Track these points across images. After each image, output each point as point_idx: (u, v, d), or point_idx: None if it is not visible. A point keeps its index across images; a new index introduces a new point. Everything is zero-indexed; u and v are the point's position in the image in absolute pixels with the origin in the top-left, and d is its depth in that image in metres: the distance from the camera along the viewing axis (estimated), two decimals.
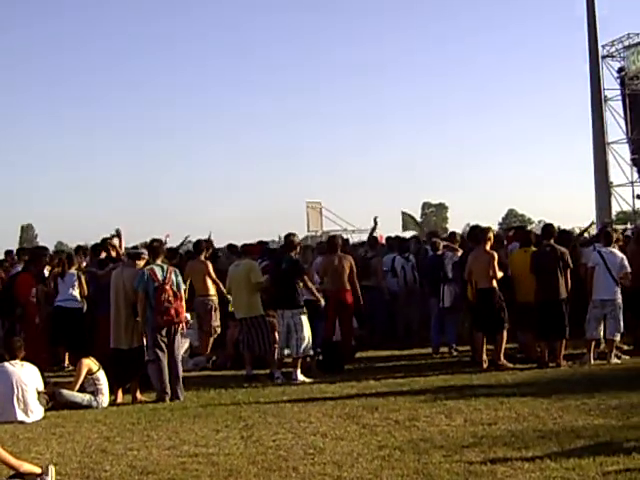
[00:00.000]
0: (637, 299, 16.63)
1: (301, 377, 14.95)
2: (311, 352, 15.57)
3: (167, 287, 13.54)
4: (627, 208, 46.75)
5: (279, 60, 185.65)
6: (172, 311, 13.52)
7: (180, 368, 13.81)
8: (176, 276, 13.84)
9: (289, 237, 15.72)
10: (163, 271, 13.68)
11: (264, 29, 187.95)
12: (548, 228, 16.24)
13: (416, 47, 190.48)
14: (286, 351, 15.33)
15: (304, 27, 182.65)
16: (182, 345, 14.59)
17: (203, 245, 17.88)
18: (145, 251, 14.15)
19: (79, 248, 19.93)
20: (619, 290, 15.29)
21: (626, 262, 15.34)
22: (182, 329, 14.00)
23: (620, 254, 15.46)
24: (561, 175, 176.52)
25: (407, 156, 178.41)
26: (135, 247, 15.88)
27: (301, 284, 15.32)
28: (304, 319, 15.15)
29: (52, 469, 8.63)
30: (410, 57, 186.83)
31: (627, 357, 15.61)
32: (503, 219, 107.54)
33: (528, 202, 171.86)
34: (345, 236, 28.44)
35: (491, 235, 15.77)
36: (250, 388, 14.36)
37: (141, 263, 13.87)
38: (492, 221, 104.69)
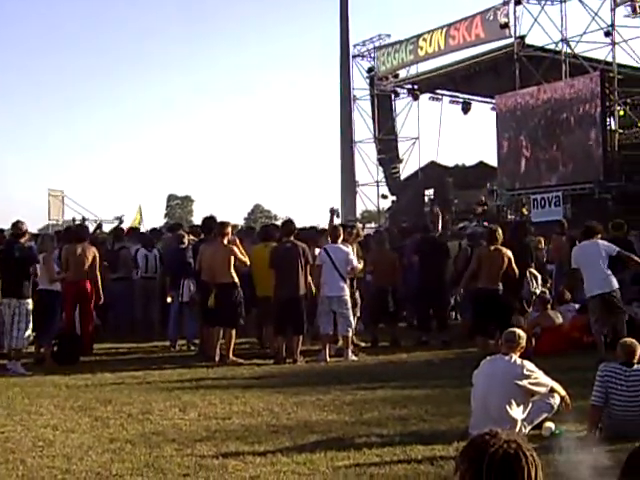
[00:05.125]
0: (380, 297, 17.15)
1: (21, 369, 14.51)
2: (26, 343, 15.05)
3: None
4: (372, 207, 47.98)
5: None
6: None
7: None
8: None
9: (16, 225, 15.25)
10: None
11: None
12: (288, 224, 16.45)
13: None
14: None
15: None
16: None
17: None
18: None
19: None
20: (346, 287, 15.63)
21: (352, 256, 15.68)
22: None
23: (346, 249, 15.75)
24: (309, 172, 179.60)
25: (153, 148, 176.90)
26: None
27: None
28: (30, 310, 14.69)
29: None
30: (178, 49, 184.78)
31: (364, 354, 15.97)
32: (249, 214, 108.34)
33: (274, 198, 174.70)
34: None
35: (229, 230, 15.79)
36: None
37: None
38: (238, 216, 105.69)
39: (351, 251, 15.81)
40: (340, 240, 15.89)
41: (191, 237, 18.20)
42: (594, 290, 14.42)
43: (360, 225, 25.56)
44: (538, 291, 16.76)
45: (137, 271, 19.27)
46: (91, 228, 23.23)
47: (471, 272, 15.41)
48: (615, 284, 14.27)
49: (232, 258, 15.21)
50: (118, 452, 8.91)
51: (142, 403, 11.51)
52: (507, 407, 9.03)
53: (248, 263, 15.54)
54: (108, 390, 12.60)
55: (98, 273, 16.33)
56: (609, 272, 14.26)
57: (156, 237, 20.89)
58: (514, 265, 15.16)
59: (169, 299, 17.63)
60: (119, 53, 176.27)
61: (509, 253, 15.15)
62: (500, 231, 15.49)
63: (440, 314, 17.85)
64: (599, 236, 14.81)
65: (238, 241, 16.02)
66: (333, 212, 17.82)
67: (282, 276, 15.23)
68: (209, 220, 17.03)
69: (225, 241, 15.39)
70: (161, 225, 33.66)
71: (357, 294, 17.17)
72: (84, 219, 31.00)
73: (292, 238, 15.64)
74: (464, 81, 38.77)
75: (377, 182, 44.99)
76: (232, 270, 15.25)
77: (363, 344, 16.79)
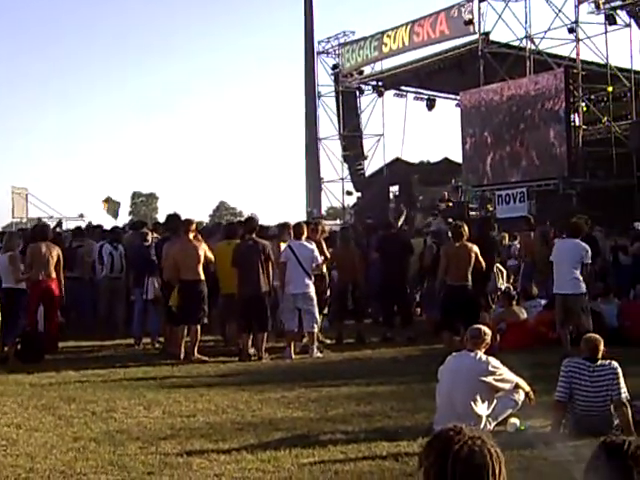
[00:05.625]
0: (343, 294, 17.15)
1: None
2: None
3: None
4: (337, 204, 48.01)
5: None
6: None
7: None
8: None
9: None
10: None
11: None
12: (250, 221, 16.39)
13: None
14: None
15: None
16: None
17: None
18: None
19: None
20: (311, 283, 15.59)
21: (317, 253, 15.61)
22: None
23: (311, 246, 15.66)
24: (274, 169, 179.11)
25: (118, 145, 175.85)
26: None
27: None
28: None
29: None
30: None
31: (329, 351, 15.93)
32: (214, 211, 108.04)
33: (240, 195, 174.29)
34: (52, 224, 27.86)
35: (194, 226, 15.77)
36: None
37: None
38: (203, 213, 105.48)
39: (315, 248, 15.75)
40: (304, 237, 15.83)
41: (155, 235, 18.11)
42: (560, 289, 14.50)
43: (325, 222, 25.56)
44: (503, 287, 16.81)
45: (102, 268, 19.05)
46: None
47: (444, 268, 15.35)
48: (582, 289, 14.28)
49: (202, 255, 15.15)
50: (82, 450, 8.86)
51: (106, 401, 11.44)
52: (472, 403, 9.06)
53: (213, 260, 15.49)
54: (72, 388, 12.51)
55: (61, 272, 16.20)
56: (579, 276, 14.28)
57: (119, 235, 20.76)
58: (481, 259, 15.20)
59: (132, 297, 17.56)
60: (83, 53, 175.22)
61: (475, 248, 15.18)
62: (465, 227, 15.51)
63: (404, 311, 17.83)
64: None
65: (200, 237, 16.01)
66: (310, 213, 17.94)
67: (244, 274, 15.16)
68: (173, 217, 16.96)
69: (191, 237, 15.34)
70: (125, 223, 33.61)
71: (328, 292, 17.18)
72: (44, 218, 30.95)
73: (254, 235, 15.58)
74: (428, 78, 38.81)
75: (342, 179, 45.05)
76: (200, 267, 15.19)
77: (328, 341, 16.76)
